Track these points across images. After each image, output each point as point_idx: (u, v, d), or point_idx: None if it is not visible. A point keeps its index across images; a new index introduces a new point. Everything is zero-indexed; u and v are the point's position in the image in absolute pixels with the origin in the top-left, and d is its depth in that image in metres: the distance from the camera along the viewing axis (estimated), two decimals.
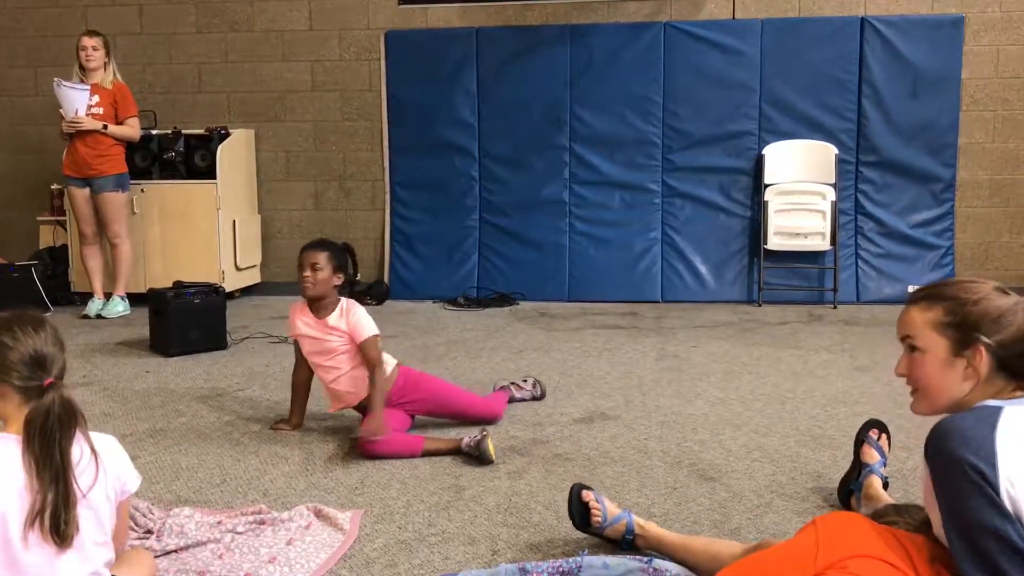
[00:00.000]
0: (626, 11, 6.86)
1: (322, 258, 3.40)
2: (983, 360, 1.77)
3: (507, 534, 2.59)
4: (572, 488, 2.52)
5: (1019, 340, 1.76)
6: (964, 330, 1.78)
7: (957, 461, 1.62)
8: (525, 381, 4.04)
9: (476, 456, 3.20)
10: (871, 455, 2.75)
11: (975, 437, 1.64)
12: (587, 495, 2.49)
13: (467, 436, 3.27)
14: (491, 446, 3.20)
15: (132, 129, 6.26)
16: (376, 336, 3.41)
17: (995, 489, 1.59)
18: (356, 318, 3.41)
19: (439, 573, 2.32)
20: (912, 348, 1.86)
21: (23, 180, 7.50)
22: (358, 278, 3.61)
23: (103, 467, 1.92)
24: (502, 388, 3.96)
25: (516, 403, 3.93)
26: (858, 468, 2.75)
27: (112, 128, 6.13)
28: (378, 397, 3.32)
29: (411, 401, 3.52)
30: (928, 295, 1.86)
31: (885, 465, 2.77)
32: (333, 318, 3.42)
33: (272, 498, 2.91)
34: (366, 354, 3.39)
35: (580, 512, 2.48)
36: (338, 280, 3.43)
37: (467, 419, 3.64)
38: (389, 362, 3.51)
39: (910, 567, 1.70)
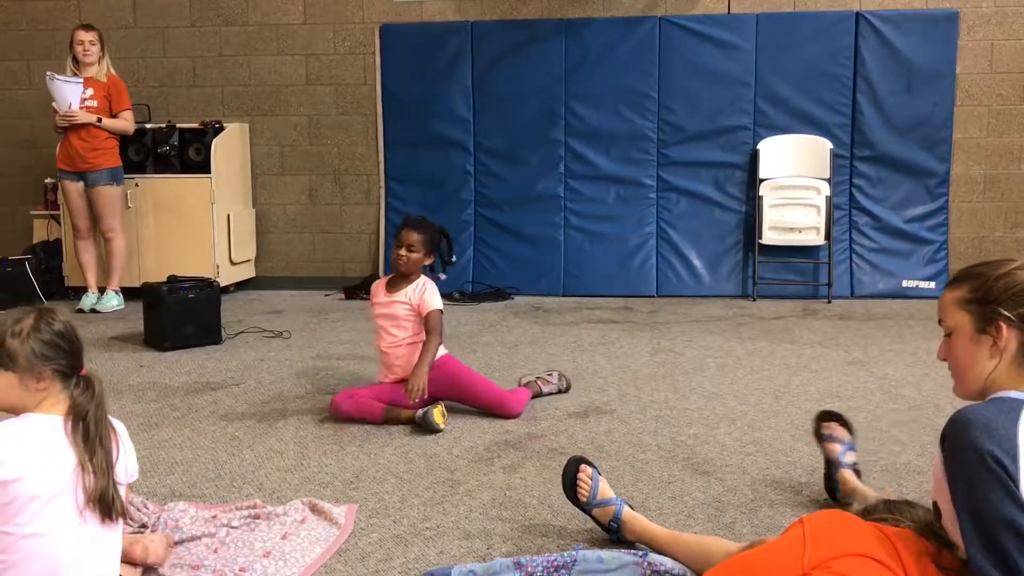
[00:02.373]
0: (621, 5, 6.85)
1: (418, 241, 3.66)
2: (1006, 336, 1.73)
3: (502, 528, 2.60)
4: (572, 457, 2.56)
5: None
6: (986, 305, 1.75)
7: (978, 451, 1.57)
8: (550, 375, 4.03)
9: (422, 427, 3.47)
10: (832, 449, 2.72)
11: (998, 428, 1.59)
12: (584, 468, 2.52)
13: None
14: (438, 416, 3.47)
15: (126, 122, 6.24)
16: (439, 311, 3.67)
17: (1015, 483, 1.55)
18: (428, 294, 3.68)
19: (434, 567, 2.32)
20: (947, 332, 1.83)
21: (16, 174, 7.48)
22: (453, 260, 3.95)
23: (123, 446, 2.02)
24: (526, 384, 3.95)
25: (543, 397, 3.95)
26: (827, 466, 2.74)
27: (106, 121, 6.11)
28: (426, 358, 3.58)
29: (439, 389, 3.69)
30: (958, 275, 1.83)
31: (853, 449, 2.74)
32: (407, 291, 3.68)
33: (267, 492, 2.91)
34: (427, 324, 3.65)
35: (571, 481, 2.51)
36: (429, 260, 3.73)
37: (487, 411, 3.74)
38: (440, 351, 3.78)
39: (897, 563, 1.67)
